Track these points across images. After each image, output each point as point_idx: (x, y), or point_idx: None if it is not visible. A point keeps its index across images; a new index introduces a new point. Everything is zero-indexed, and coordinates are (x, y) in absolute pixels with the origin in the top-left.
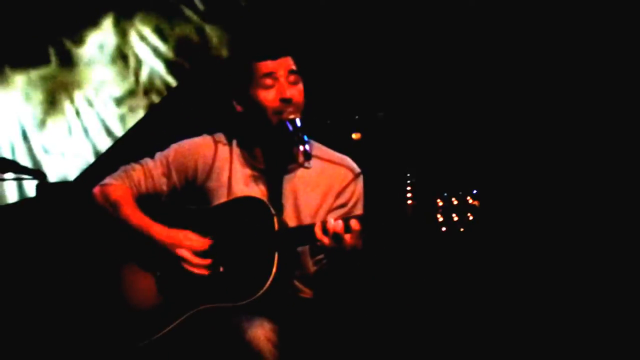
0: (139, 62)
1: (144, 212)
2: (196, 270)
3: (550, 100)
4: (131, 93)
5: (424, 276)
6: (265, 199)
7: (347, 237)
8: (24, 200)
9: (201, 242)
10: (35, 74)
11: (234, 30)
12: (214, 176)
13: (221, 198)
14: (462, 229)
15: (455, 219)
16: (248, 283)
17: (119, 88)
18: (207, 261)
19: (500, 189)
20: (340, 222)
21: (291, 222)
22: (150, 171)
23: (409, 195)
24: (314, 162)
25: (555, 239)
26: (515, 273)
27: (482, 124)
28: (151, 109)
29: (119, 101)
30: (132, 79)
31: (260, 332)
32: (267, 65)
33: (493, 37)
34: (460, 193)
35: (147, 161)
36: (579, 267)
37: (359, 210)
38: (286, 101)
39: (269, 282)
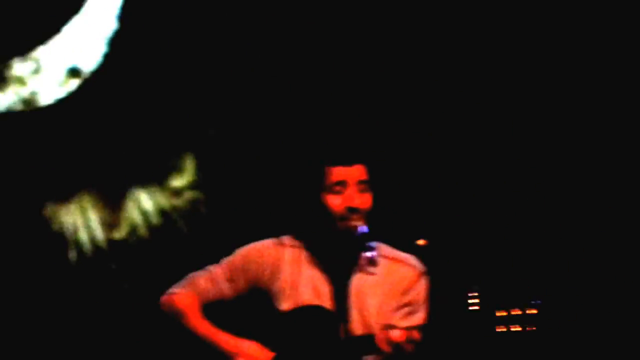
0: None
1: (209, 318)
2: None
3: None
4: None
5: None
6: (331, 302)
7: (408, 347)
8: None
9: (262, 354)
10: None
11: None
12: (280, 279)
13: (287, 301)
14: (522, 340)
15: (517, 329)
16: None
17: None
18: None
19: (561, 297)
20: (402, 332)
21: (357, 325)
22: (216, 277)
23: (473, 305)
24: (379, 262)
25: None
26: None
27: (546, 235)
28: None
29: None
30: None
31: None
32: (339, 172)
33: None
34: (521, 303)
35: (213, 267)
36: None
37: (423, 309)
38: (353, 210)
39: None
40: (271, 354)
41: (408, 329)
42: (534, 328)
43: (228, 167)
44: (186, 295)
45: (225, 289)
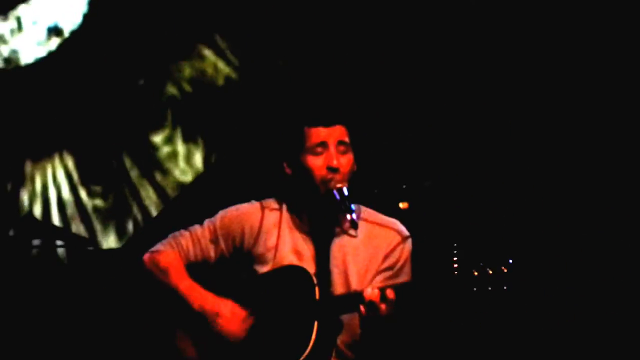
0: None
1: (193, 277)
2: (228, 338)
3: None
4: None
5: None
6: (312, 263)
7: (383, 306)
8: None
9: (240, 313)
10: None
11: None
12: (261, 242)
13: (268, 263)
14: (496, 299)
15: (490, 289)
16: (287, 352)
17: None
18: (243, 327)
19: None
20: (376, 291)
21: (340, 286)
22: (199, 238)
23: (455, 265)
24: (361, 225)
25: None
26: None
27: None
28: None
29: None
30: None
31: None
32: (318, 133)
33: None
34: (496, 263)
35: (196, 228)
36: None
37: (405, 274)
38: (333, 170)
39: (307, 351)
40: (247, 312)
41: (383, 288)
42: (507, 287)
43: (210, 132)
44: (169, 253)
45: (208, 250)
